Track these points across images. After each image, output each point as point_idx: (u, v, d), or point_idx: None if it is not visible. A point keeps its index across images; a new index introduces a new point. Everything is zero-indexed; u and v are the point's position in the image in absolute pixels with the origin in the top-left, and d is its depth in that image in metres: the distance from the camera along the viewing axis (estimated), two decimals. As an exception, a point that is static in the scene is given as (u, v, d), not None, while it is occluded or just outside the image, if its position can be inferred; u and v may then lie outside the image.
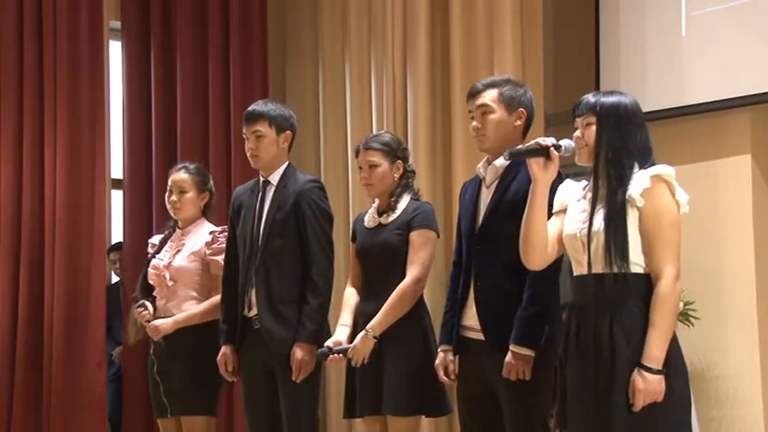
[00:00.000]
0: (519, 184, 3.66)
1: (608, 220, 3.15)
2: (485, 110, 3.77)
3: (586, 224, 3.21)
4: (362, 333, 4.12)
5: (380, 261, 4.26)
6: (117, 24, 6.63)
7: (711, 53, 5.51)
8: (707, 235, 5.26)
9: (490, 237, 3.72)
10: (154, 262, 4.88)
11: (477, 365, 3.76)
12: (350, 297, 4.36)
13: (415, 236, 4.21)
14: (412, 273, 4.13)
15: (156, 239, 5.01)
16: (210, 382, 4.73)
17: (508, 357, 3.62)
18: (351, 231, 4.51)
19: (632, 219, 3.15)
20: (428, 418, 4.54)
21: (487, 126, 3.77)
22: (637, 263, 3.14)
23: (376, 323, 4.12)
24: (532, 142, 3.31)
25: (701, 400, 5.27)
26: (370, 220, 4.36)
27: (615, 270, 3.12)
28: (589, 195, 3.26)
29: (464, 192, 3.96)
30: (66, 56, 6.16)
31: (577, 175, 3.39)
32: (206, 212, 4.93)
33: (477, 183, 3.87)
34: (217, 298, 4.67)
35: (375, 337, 4.11)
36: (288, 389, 4.30)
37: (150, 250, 4.96)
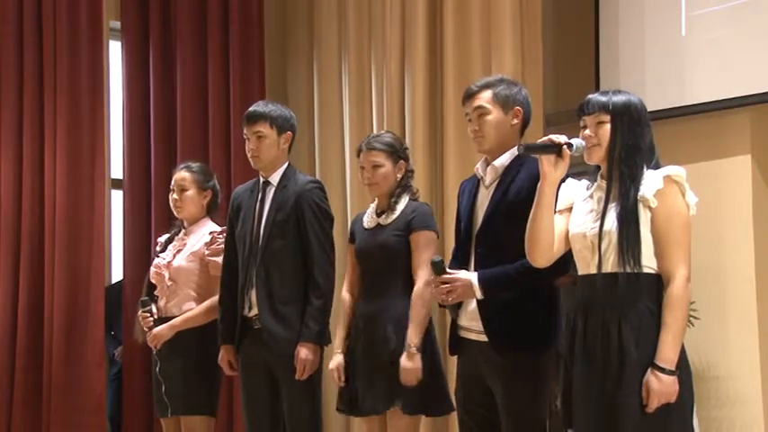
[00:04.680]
0: (520, 185, 3.66)
1: (621, 220, 3.14)
2: (481, 112, 3.76)
3: (597, 223, 3.21)
4: (405, 354, 4.09)
5: (380, 262, 4.27)
6: (117, 24, 6.64)
7: (711, 53, 5.50)
8: (707, 235, 5.25)
9: (490, 237, 3.70)
10: (156, 261, 4.91)
11: (473, 366, 3.75)
12: (346, 306, 4.40)
13: (416, 238, 4.23)
14: (422, 277, 4.13)
15: (163, 238, 5.02)
16: (210, 383, 4.75)
17: (459, 274, 3.65)
18: (349, 233, 4.52)
19: (644, 219, 3.15)
20: (427, 418, 4.54)
21: (485, 128, 3.76)
22: (647, 264, 3.14)
23: (413, 336, 4.11)
24: (545, 138, 3.30)
25: (701, 400, 5.26)
26: (368, 220, 4.37)
27: (627, 270, 3.12)
28: (596, 194, 3.26)
29: (462, 191, 3.95)
30: (66, 56, 6.16)
31: (580, 174, 3.39)
32: (211, 212, 4.94)
33: (474, 182, 3.87)
34: (214, 299, 4.68)
35: (419, 349, 4.11)
36: (290, 389, 4.31)
37: (158, 249, 4.98)
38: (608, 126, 3.22)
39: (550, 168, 3.27)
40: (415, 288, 4.18)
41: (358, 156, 4.40)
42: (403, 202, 4.32)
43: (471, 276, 3.64)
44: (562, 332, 3.43)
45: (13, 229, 6.04)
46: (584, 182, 3.35)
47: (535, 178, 3.35)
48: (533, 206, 3.30)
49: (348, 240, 4.51)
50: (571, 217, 3.33)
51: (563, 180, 3.37)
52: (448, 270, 3.70)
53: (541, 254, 3.34)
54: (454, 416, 3.99)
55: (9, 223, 6.03)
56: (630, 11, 5.86)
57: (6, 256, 6.01)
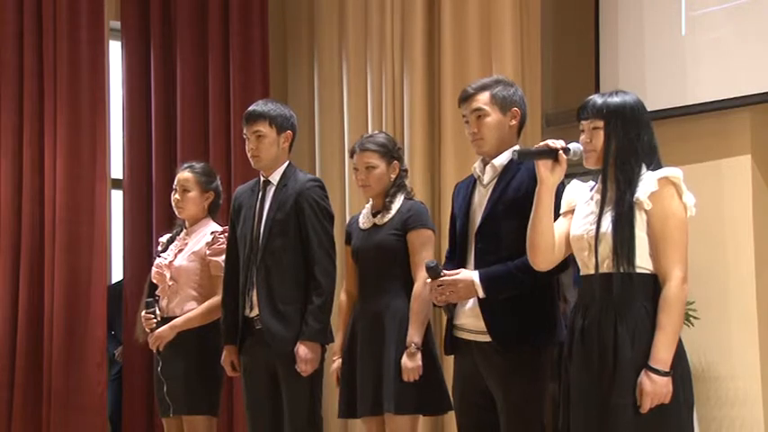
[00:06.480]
0: (519, 183, 3.66)
1: (615, 223, 3.15)
2: (479, 114, 3.76)
3: (594, 226, 3.22)
4: (407, 352, 4.11)
5: (377, 262, 4.27)
6: (117, 24, 6.63)
7: (711, 53, 5.51)
8: (707, 235, 5.26)
9: (490, 235, 3.70)
10: (157, 261, 4.90)
11: (471, 366, 3.74)
12: (344, 308, 4.42)
13: (413, 237, 4.24)
14: (421, 275, 4.11)
15: (164, 238, 5.02)
16: (212, 382, 4.75)
17: (459, 274, 3.63)
18: (345, 234, 4.51)
19: (640, 221, 3.15)
20: (426, 417, 4.54)
21: (484, 130, 3.75)
22: (643, 265, 3.15)
23: (414, 334, 4.13)
24: (542, 144, 3.32)
25: (701, 400, 5.27)
26: (364, 221, 4.38)
27: (622, 271, 3.13)
28: (597, 197, 3.26)
29: (457, 192, 3.95)
30: (66, 56, 6.15)
31: (585, 174, 3.39)
32: (213, 212, 4.93)
33: (470, 182, 3.86)
34: (215, 299, 4.68)
35: (419, 348, 4.12)
36: (290, 388, 4.31)
37: (159, 249, 4.98)
38: (602, 132, 3.23)
39: (547, 173, 3.28)
40: (415, 287, 4.18)
41: (351, 157, 4.40)
42: (398, 202, 4.32)
43: (472, 275, 3.64)
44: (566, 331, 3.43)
45: (13, 229, 6.04)
46: (590, 183, 3.35)
47: (535, 176, 3.36)
48: (533, 210, 3.32)
49: (344, 242, 4.51)
50: (573, 219, 3.34)
51: (563, 182, 3.38)
52: (444, 272, 3.69)
53: (543, 257, 3.35)
54: (452, 415, 3.99)
55: (9, 223, 6.02)
56: (630, 11, 5.87)
57: (6, 257, 6.00)
